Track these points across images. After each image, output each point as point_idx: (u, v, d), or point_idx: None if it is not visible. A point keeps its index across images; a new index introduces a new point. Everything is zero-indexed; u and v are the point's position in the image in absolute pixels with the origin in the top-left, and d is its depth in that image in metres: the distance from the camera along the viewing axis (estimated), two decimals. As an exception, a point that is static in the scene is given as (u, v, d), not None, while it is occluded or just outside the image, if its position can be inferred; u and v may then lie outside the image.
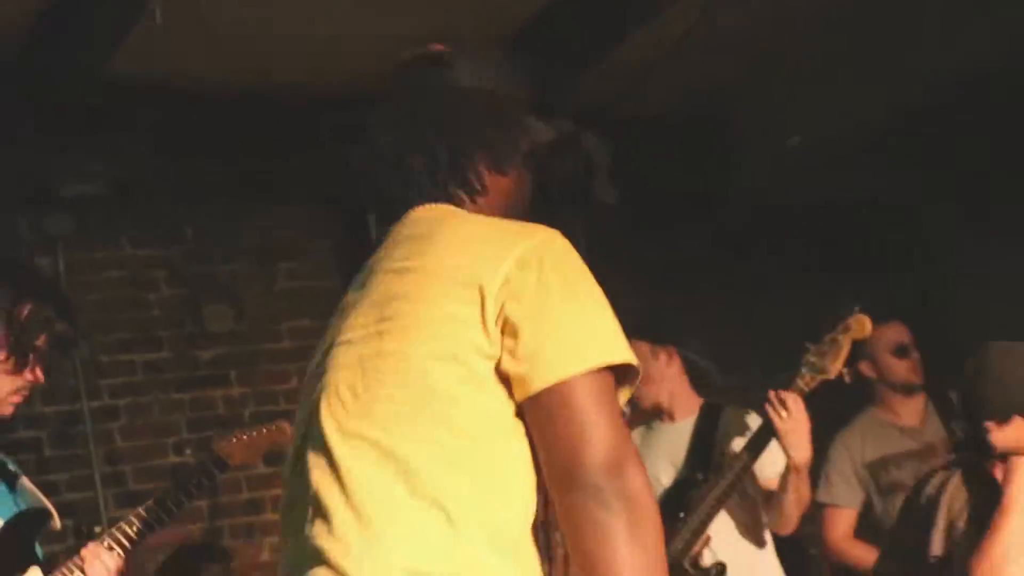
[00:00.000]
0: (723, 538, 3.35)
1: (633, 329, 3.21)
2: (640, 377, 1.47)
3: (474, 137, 1.52)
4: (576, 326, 1.27)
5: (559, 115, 3.99)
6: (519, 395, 1.25)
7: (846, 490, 3.85)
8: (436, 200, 1.42)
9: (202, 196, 4.22)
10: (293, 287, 4.27)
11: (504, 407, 1.27)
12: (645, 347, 3.47)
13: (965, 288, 4.94)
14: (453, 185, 1.44)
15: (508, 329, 1.25)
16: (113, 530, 2.57)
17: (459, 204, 1.43)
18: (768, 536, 3.45)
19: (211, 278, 4.27)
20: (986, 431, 2.56)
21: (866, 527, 3.94)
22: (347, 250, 4.31)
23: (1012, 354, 2.58)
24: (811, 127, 4.28)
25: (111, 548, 2.54)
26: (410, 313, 1.28)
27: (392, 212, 1.45)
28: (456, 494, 1.25)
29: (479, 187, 1.45)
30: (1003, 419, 2.58)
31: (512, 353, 1.24)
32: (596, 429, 1.24)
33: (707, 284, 4.85)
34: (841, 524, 3.84)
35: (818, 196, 4.69)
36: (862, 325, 3.18)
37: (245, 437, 2.87)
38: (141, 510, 2.59)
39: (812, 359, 3.16)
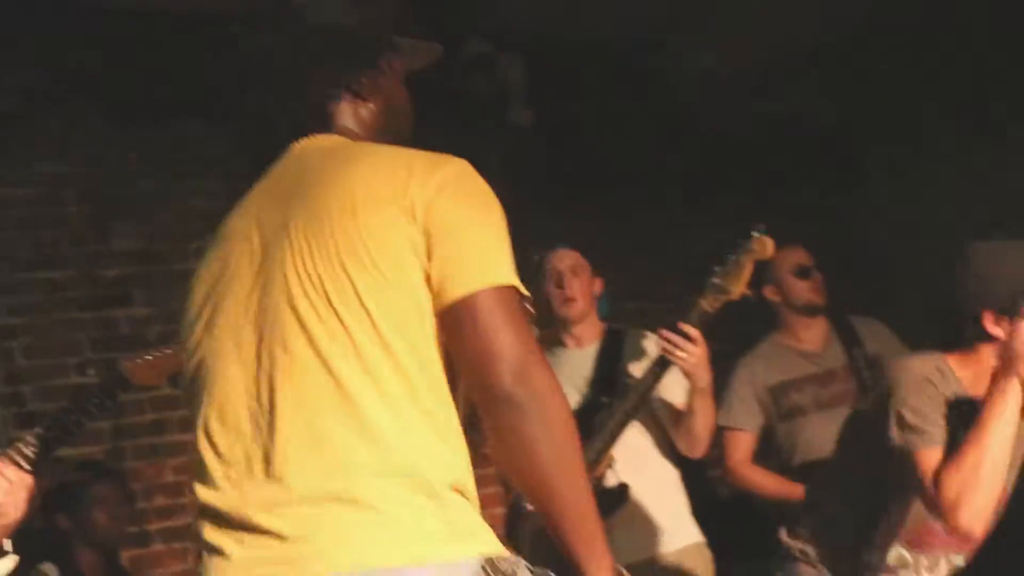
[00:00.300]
0: (627, 460, 3.41)
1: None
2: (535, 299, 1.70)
3: (337, 71, 1.70)
4: (486, 247, 1.46)
5: (476, 37, 3.91)
6: (436, 307, 1.42)
7: (746, 414, 3.92)
8: (320, 131, 1.62)
9: (114, 117, 4.15)
10: (203, 207, 4.18)
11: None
12: (577, 257, 3.57)
13: (894, 215, 5.05)
14: (327, 117, 1.63)
15: (430, 248, 1.44)
16: (9, 450, 2.56)
17: (344, 135, 1.62)
18: (670, 458, 3.53)
19: (119, 197, 4.23)
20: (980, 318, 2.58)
21: (767, 450, 4.03)
22: (259, 171, 4.29)
23: (998, 251, 2.64)
24: (741, 53, 4.23)
25: (9, 464, 2.55)
26: (363, 238, 1.44)
27: (280, 142, 1.63)
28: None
29: (352, 117, 1.66)
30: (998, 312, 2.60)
31: (430, 270, 1.43)
32: (502, 336, 1.40)
33: (633, 206, 4.89)
34: (741, 447, 3.92)
35: (746, 123, 4.69)
36: (764, 246, 3.21)
37: (150, 358, 2.80)
38: (39, 429, 2.59)
39: (716, 280, 3.20)
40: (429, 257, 1.46)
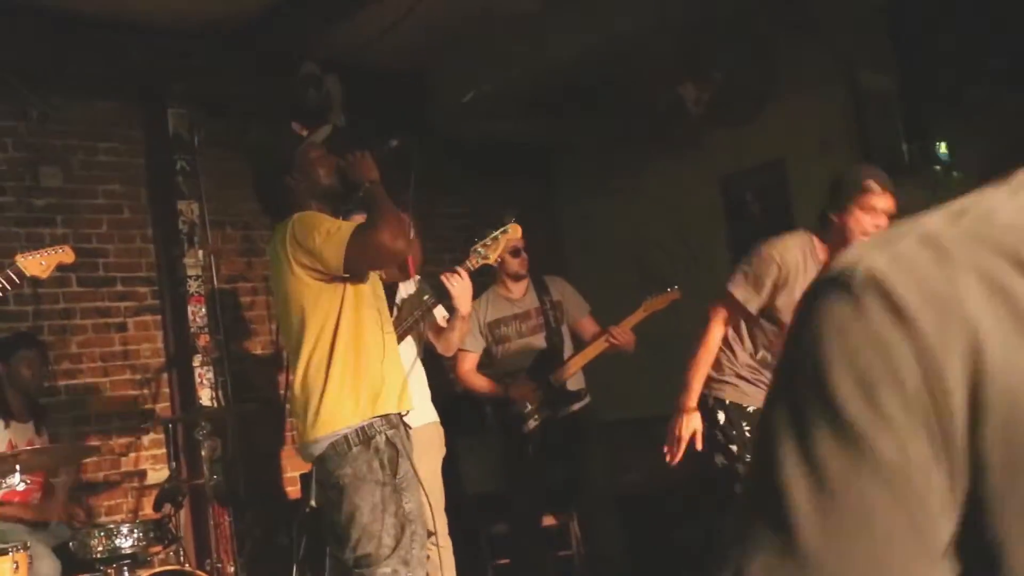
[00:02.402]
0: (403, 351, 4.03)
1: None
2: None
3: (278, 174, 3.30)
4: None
5: (308, 62, 5.37)
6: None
7: (472, 340, 4.84)
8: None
9: (48, 89, 5.08)
10: (109, 160, 5.38)
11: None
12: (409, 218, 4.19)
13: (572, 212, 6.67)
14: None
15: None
16: None
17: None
18: (419, 356, 4.32)
19: (47, 147, 5.18)
20: None
21: (486, 364, 5.02)
22: (151, 135, 5.57)
23: None
24: (489, 82, 5.64)
25: None
26: None
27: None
28: None
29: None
30: None
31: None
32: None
33: (424, 194, 5.96)
34: (467, 362, 4.89)
35: (485, 134, 6.20)
36: (516, 230, 4.12)
37: (39, 255, 3.43)
38: None
39: (479, 248, 4.05)
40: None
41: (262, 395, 5.58)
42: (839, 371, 0.64)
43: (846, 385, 0.63)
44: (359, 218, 3.34)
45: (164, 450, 5.42)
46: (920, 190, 4.73)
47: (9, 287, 3.17)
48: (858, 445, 0.62)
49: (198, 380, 5.45)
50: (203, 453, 4.85)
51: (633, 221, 6.28)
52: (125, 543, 4.13)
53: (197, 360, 5.46)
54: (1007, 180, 0.70)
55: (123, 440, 5.32)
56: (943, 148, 4.85)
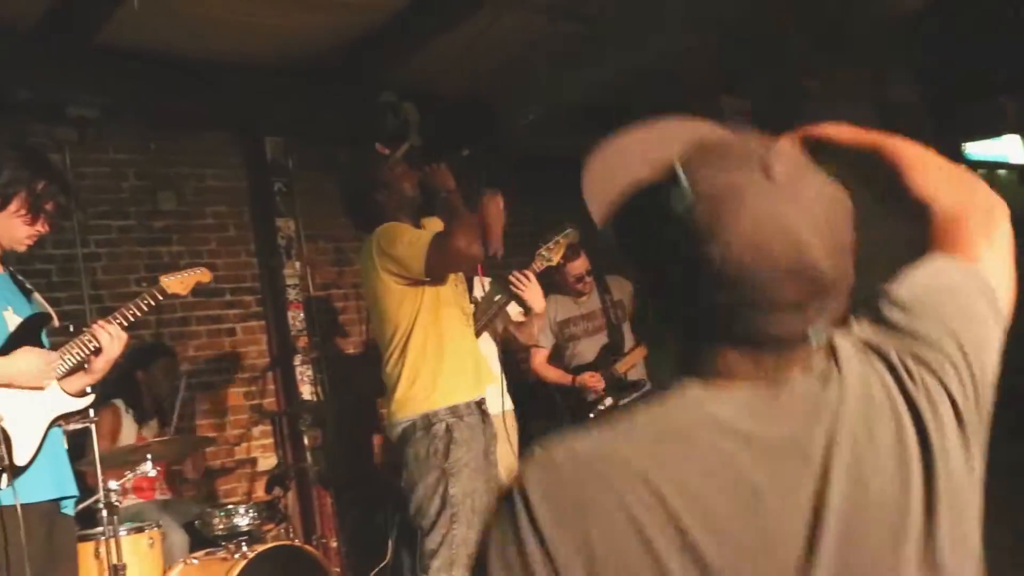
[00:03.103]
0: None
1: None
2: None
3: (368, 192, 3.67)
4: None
5: (387, 91, 5.94)
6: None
7: (544, 337, 5.18)
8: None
9: (164, 124, 5.69)
10: (216, 185, 5.99)
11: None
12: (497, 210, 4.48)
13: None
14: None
15: None
16: (110, 317, 3.21)
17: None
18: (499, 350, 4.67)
19: (163, 175, 5.73)
20: None
21: (556, 357, 5.41)
22: (251, 162, 6.18)
23: None
24: (546, 103, 6.13)
25: (113, 324, 3.15)
26: None
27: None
28: None
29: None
30: None
31: None
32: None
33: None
34: (540, 356, 5.31)
35: (546, 150, 6.55)
36: (574, 234, 4.39)
37: (180, 276, 3.62)
38: (115, 313, 3.22)
39: (543, 252, 4.32)
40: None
41: (356, 389, 6.07)
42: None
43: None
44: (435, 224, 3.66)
45: (271, 440, 6.03)
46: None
47: (154, 303, 3.36)
48: None
49: (299, 377, 6.02)
50: (306, 442, 5.45)
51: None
52: (242, 522, 4.52)
53: (297, 359, 6.04)
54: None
55: (236, 432, 5.94)
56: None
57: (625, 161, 1.14)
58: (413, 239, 3.46)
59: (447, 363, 3.50)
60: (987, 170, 5.23)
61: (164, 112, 5.72)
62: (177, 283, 3.57)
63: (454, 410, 3.45)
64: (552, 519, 0.96)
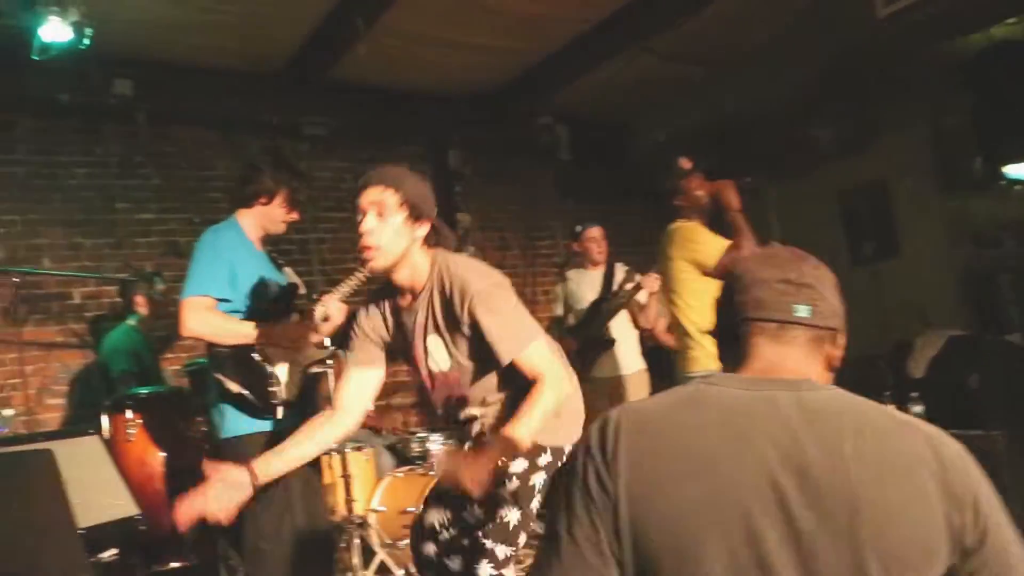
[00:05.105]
0: (614, 326, 5.48)
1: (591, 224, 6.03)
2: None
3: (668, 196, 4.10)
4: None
5: (544, 115, 7.54)
6: None
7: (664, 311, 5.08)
8: None
9: (373, 140, 6.99)
10: None
11: None
12: (601, 230, 5.69)
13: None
14: None
15: None
16: (333, 291, 3.15)
17: None
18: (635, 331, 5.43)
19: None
20: None
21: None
22: (437, 169, 7.45)
23: None
24: (673, 127, 7.44)
25: (336, 299, 3.10)
26: None
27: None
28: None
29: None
30: None
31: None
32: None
33: (618, 208, 7.83)
34: (660, 325, 5.56)
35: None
36: None
37: None
38: (341, 284, 3.15)
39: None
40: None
41: None
42: None
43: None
44: None
45: None
46: (988, 200, 6.40)
47: (365, 280, 3.06)
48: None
49: None
50: None
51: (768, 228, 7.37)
52: (433, 446, 5.17)
53: None
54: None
55: None
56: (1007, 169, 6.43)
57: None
58: (713, 242, 3.95)
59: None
60: (1022, 187, 6.33)
61: (373, 130, 7.07)
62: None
63: None
64: (631, 433, 1.39)
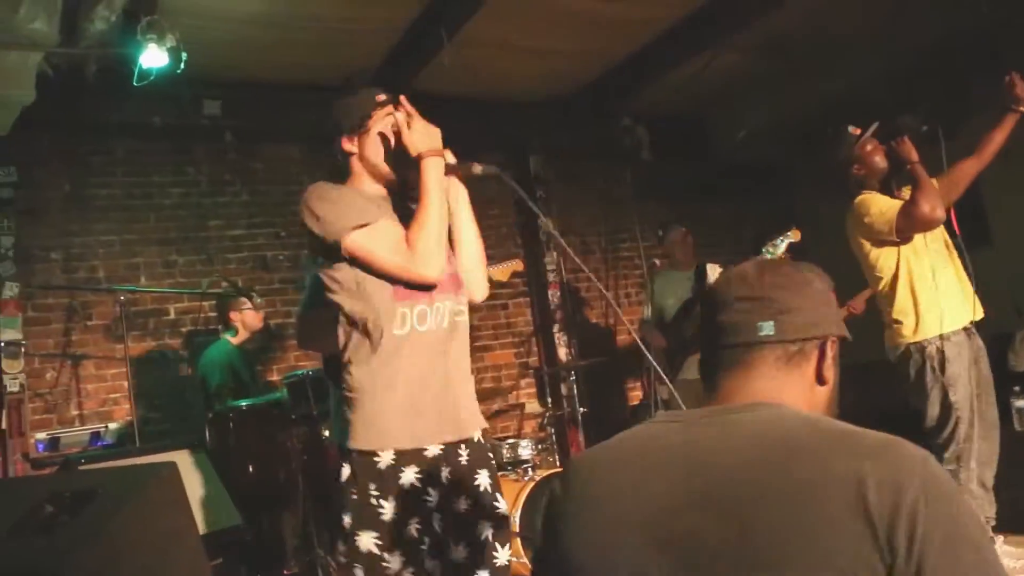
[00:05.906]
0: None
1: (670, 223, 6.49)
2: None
3: (843, 167, 4.12)
4: None
5: (624, 116, 7.65)
6: None
7: None
8: None
9: (457, 147, 7.35)
10: (491, 194, 7.48)
11: None
12: (684, 232, 6.04)
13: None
14: None
15: None
16: None
17: None
18: None
19: None
20: None
21: None
22: (519, 173, 7.63)
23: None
24: (750, 126, 7.60)
25: None
26: None
27: None
28: None
29: None
30: None
31: None
32: None
33: (700, 205, 8.06)
34: None
35: (752, 160, 8.06)
36: (796, 234, 4.61)
37: (501, 266, 4.79)
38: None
39: (769, 249, 4.57)
40: None
41: (599, 350, 7.50)
42: None
43: None
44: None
45: (534, 389, 7.71)
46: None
47: None
48: None
49: (557, 342, 7.64)
50: (563, 392, 6.98)
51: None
52: (524, 453, 5.39)
53: (555, 328, 7.66)
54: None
55: (508, 383, 7.65)
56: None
57: None
58: (884, 208, 3.88)
59: (927, 297, 3.88)
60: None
61: (455, 139, 6.94)
62: (497, 271, 4.60)
63: (942, 336, 3.82)
64: (577, 482, 1.44)
